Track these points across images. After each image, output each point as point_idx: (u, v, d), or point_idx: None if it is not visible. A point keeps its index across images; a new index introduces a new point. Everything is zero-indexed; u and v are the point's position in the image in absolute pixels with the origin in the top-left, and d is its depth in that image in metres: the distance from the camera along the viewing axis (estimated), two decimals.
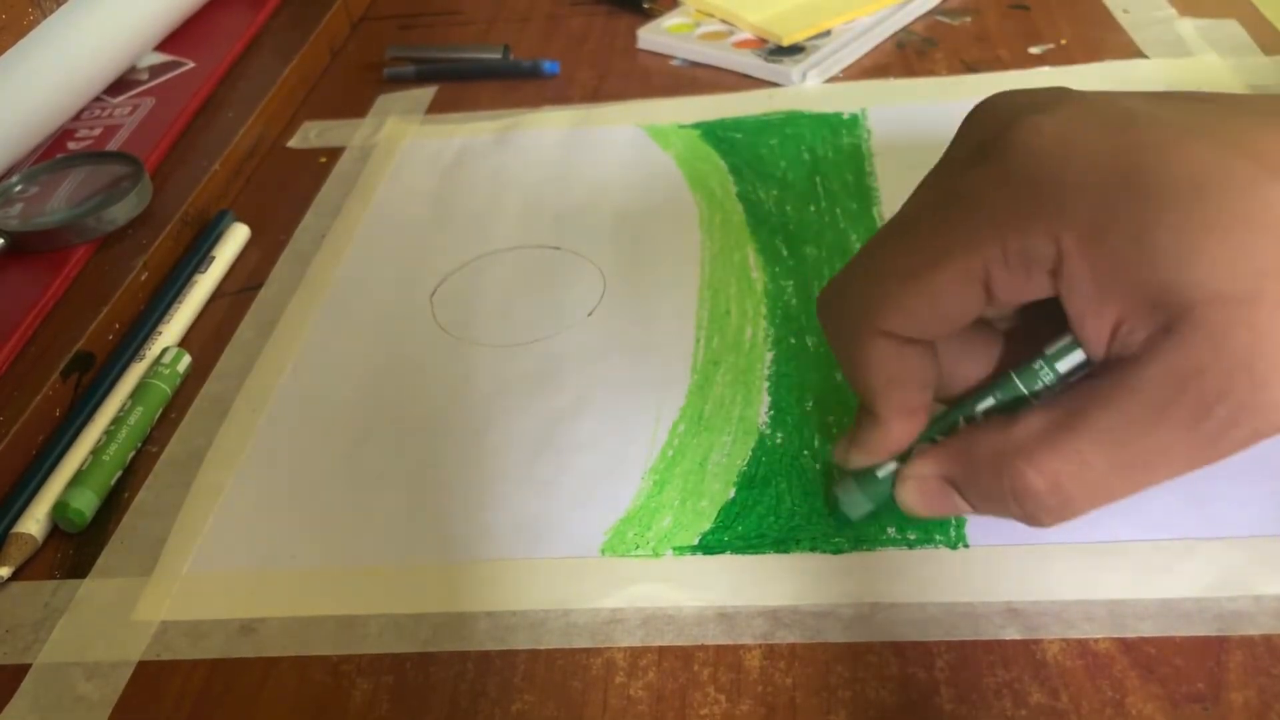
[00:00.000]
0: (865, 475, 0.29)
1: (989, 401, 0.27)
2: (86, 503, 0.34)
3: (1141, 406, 0.23)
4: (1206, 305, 0.22)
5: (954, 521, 0.30)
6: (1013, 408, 0.26)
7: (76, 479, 0.34)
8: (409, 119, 0.54)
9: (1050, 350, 0.26)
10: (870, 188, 0.44)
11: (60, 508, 0.33)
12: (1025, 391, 0.26)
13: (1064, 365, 0.25)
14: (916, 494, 0.28)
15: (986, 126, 0.26)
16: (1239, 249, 0.22)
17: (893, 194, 0.43)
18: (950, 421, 0.28)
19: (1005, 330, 0.28)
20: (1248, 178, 0.22)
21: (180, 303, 0.42)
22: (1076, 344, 0.25)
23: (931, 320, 0.26)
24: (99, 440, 0.36)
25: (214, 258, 0.44)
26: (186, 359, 0.39)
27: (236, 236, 0.46)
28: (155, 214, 0.46)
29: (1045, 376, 0.26)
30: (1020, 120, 0.25)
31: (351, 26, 0.67)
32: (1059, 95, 0.26)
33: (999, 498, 0.26)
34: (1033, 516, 0.25)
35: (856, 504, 0.29)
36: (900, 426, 0.28)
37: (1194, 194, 0.22)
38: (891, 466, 0.28)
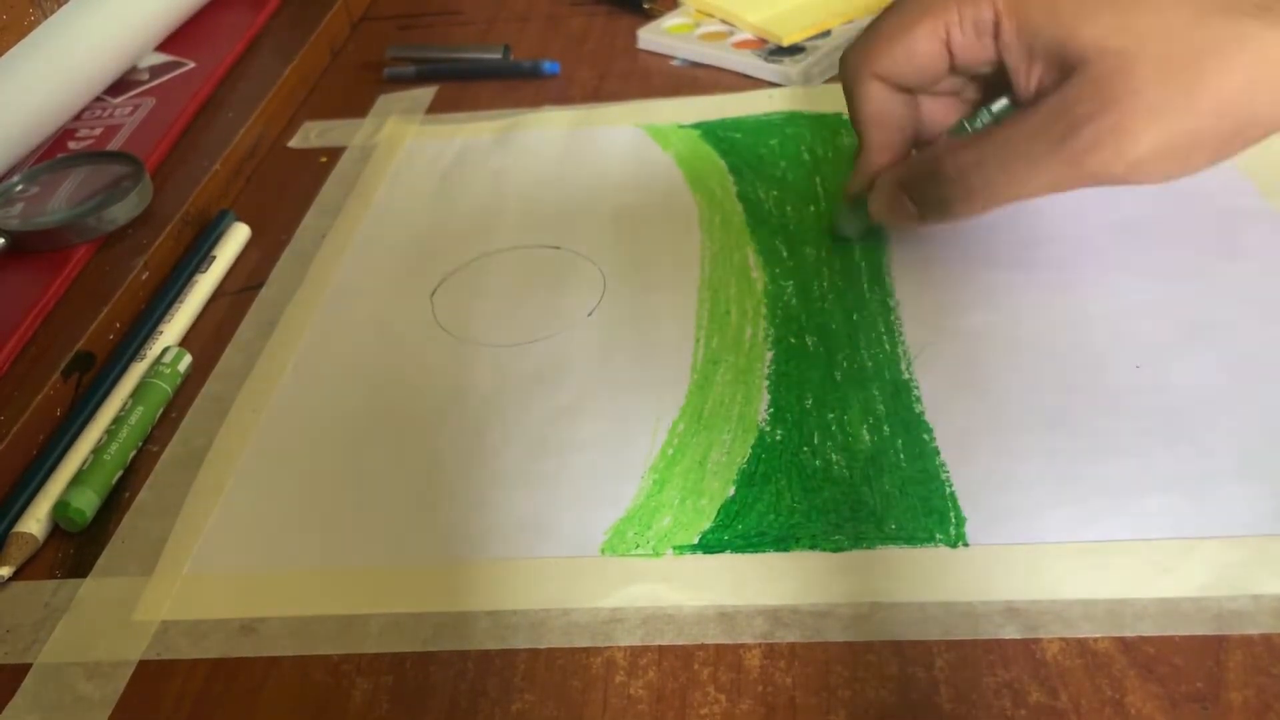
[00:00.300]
0: (857, 201, 0.38)
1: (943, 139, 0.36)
2: (87, 502, 0.34)
3: (1030, 125, 0.31)
4: (1097, 54, 0.30)
5: (954, 520, 0.30)
6: None
7: (77, 478, 0.34)
8: (409, 119, 0.54)
9: (994, 105, 0.35)
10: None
11: (61, 507, 0.33)
12: (969, 130, 0.35)
13: (996, 108, 0.35)
14: (879, 199, 0.37)
15: None
16: (1126, 14, 0.30)
17: None
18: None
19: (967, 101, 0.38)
20: None
21: (181, 302, 0.42)
22: (1006, 97, 0.34)
23: (908, 68, 0.35)
24: (100, 440, 0.36)
25: (214, 257, 0.44)
26: (187, 358, 0.39)
27: (237, 236, 0.46)
28: (156, 214, 0.46)
29: (983, 117, 0.35)
30: None
31: (352, 26, 0.67)
32: None
33: (930, 193, 0.35)
34: (946, 203, 0.34)
35: (850, 223, 0.40)
36: (878, 155, 0.37)
37: None
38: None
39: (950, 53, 0.34)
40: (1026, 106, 0.32)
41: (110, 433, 0.36)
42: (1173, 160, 0.31)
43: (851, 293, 0.38)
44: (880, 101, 0.36)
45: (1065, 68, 0.31)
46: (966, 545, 0.29)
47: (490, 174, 0.49)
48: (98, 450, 0.35)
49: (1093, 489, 0.30)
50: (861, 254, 0.40)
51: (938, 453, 0.32)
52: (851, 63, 0.37)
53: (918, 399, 0.34)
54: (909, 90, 0.37)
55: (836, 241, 0.40)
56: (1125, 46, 0.30)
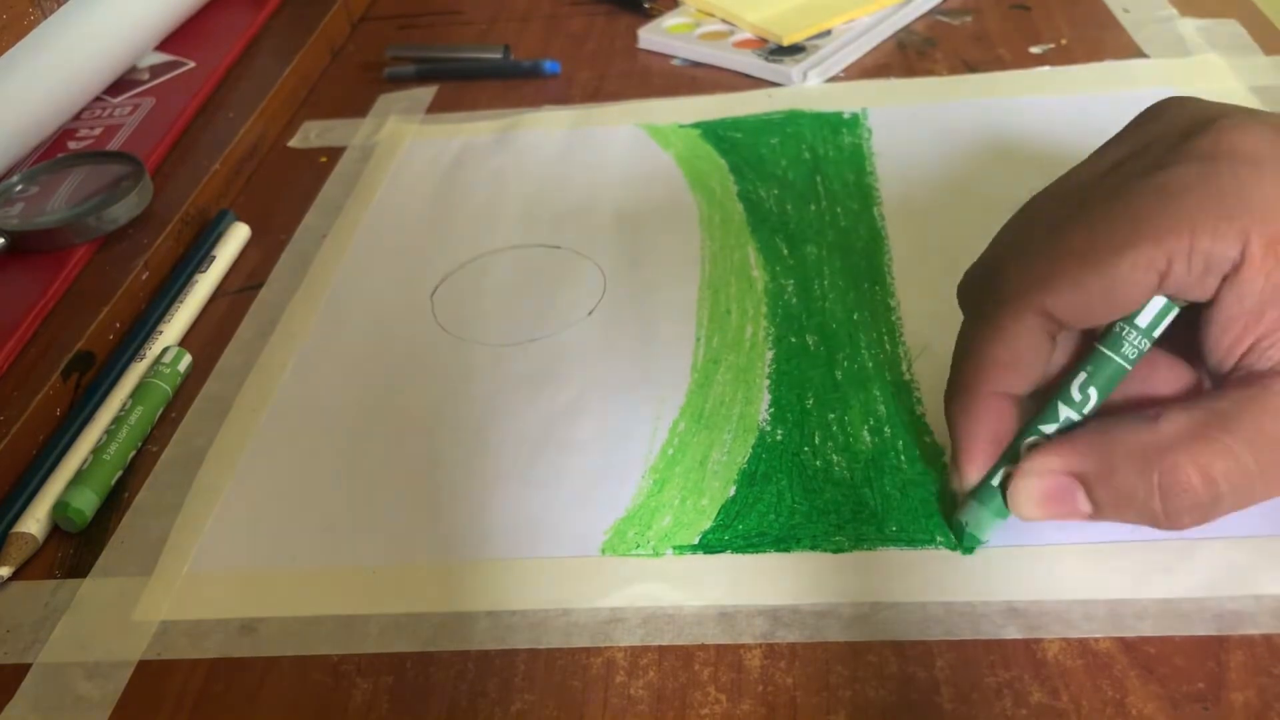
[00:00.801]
0: (982, 490, 0.28)
1: (1081, 376, 0.27)
2: (87, 502, 0.34)
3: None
4: None
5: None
6: (1105, 389, 0.27)
7: (77, 478, 0.34)
8: (409, 119, 0.54)
9: (1141, 321, 0.26)
10: (870, 187, 0.44)
11: (60, 507, 0.33)
12: (1124, 364, 0.27)
13: (1139, 349, 0.27)
14: (1037, 491, 0.27)
15: (1176, 123, 0.27)
16: None
17: (893, 193, 0.43)
18: (1053, 414, 0.28)
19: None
20: None
21: (181, 302, 0.42)
22: (1169, 307, 0.26)
23: (1100, 305, 0.26)
24: (99, 440, 0.36)
25: (214, 257, 0.44)
26: (187, 358, 0.39)
27: (237, 236, 0.46)
28: (156, 214, 0.46)
29: (1140, 344, 0.27)
30: (1227, 119, 0.25)
31: (352, 26, 0.67)
32: (1249, 110, 0.26)
33: (1139, 494, 0.26)
34: (1175, 514, 0.25)
35: (983, 521, 0.28)
36: (1000, 421, 0.28)
37: None
38: (1003, 473, 0.28)
39: (1161, 287, 0.25)
40: (1261, 379, 0.25)
41: (110, 433, 0.36)
42: None
43: (852, 292, 0.38)
44: (1032, 343, 0.27)
45: None
46: (969, 551, 0.29)
47: (490, 174, 0.49)
48: (97, 450, 0.35)
49: None
50: (862, 254, 0.40)
51: (939, 454, 0.32)
52: (1012, 286, 0.27)
53: (919, 400, 0.34)
54: (1065, 330, 0.27)
55: (965, 549, 0.29)
56: None
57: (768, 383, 0.35)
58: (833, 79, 0.52)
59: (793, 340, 0.37)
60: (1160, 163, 0.26)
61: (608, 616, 0.29)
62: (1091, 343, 0.28)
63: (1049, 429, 0.28)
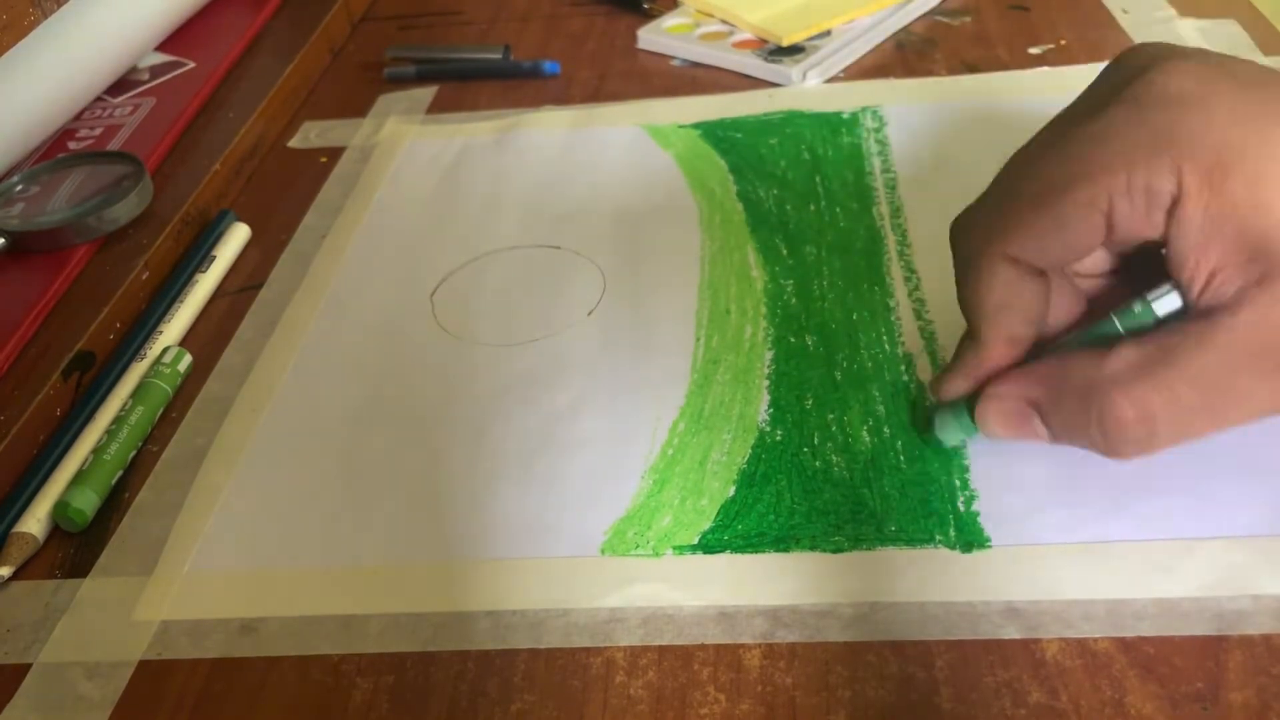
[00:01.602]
0: (959, 405, 0.30)
1: (1083, 339, 0.29)
2: (87, 502, 0.34)
3: (1233, 350, 0.25)
4: None
5: (954, 523, 0.30)
6: (1101, 345, 0.28)
7: (77, 478, 0.34)
8: (409, 119, 0.54)
9: (1151, 295, 0.27)
10: (870, 187, 0.44)
11: (61, 507, 0.33)
12: (1121, 330, 0.28)
13: (1162, 309, 0.27)
14: (998, 414, 0.29)
15: (1124, 69, 0.28)
16: None
17: (892, 194, 0.43)
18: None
19: (1087, 290, 0.31)
20: None
21: (181, 302, 0.42)
22: (1173, 290, 0.27)
23: (1055, 246, 0.28)
24: (100, 439, 0.36)
25: (214, 257, 0.44)
26: (187, 358, 0.39)
27: (237, 236, 0.46)
28: (156, 214, 0.46)
29: (1144, 317, 0.27)
30: (1159, 63, 0.27)
31: (352, 26, 0.67)
32: (1199, 51, 0.27)
33: (1082, 426, 0.27)
34: (1114, 446, 0.27)
35: (951, 433, 0.31)
36: (1000, 352, 0.29)
37: None
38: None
39: (1109, 225, 0.27)
40: (1207, 316, 0.26)
41: (110, 433, 0.36)
42: None
43: (851, 293, 0.38)
44: (1009, 286, 0.29)
45: (1261, 269, 0.25)
46: (970, 551, 0.29)
47: (490, 174, 0.49)
48: (97, 450, 0.35)
49: (1093, 489, 0.30)
50: (861, 254, 0.40)
51: (937, 454, 0.32)
52: (975, 237, 0.29)
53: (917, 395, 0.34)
54: (1041, 271, 0.29)
55: (928, 442, 0.32)
56: None
57: (767, 383, 0.35)
58: (832, 79, 0.52)
59: (792, 340, 0.37)
60: (1097, 109, 0.27)
61: (607, 616, 0.29)
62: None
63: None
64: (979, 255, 0.29)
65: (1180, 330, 0.26)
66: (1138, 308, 0.27)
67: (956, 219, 0.30)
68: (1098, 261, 0.30)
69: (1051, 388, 0.28)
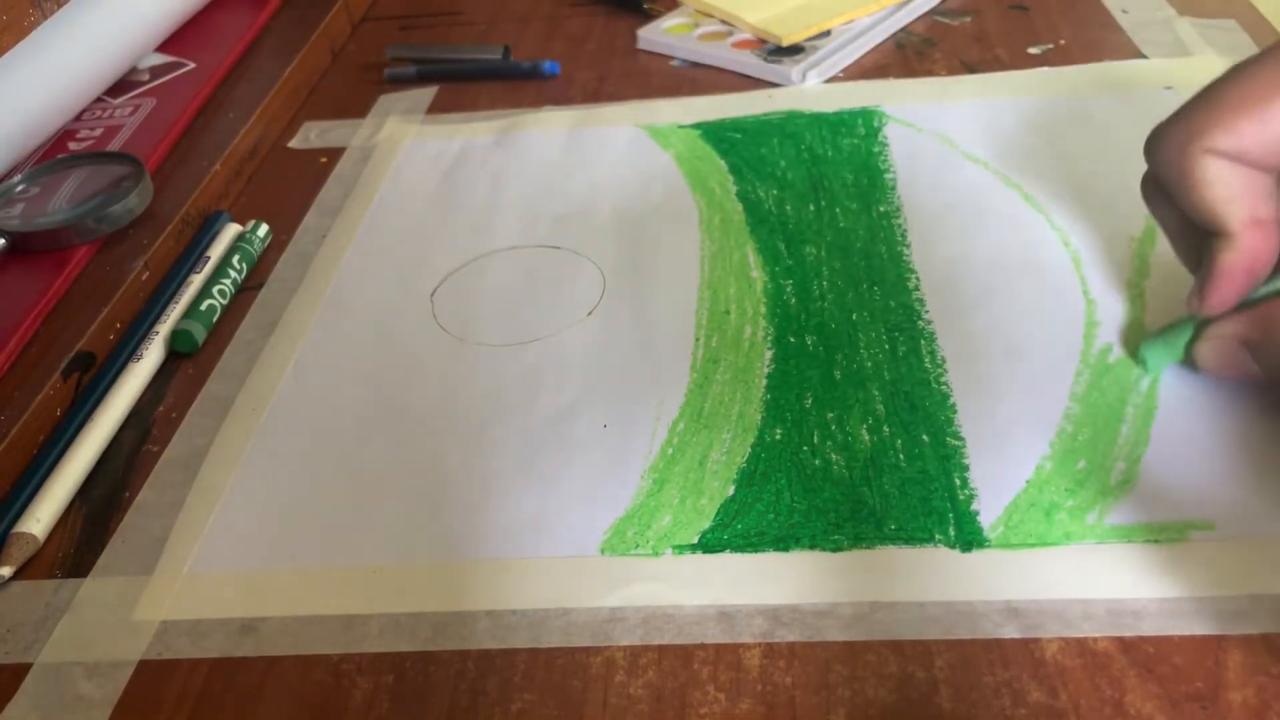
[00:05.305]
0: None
1: None
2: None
3: None
4: None
5: (954, 521, 0.30)
6: None
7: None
8: (409, 119, 0.54)
9: None
10: (869, 187, 0.44)
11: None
12: None
13: None
14: (1213, 352, 0.31)
15: None
16: None
17: (892, 193, 0.43)
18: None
19: None
20: None
21: (180, 302, 0.42)
22: None
23: (1258, 144, 0.28)
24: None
25: (210, 258, 0.44)
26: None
27: (230, 236, 0.46)
28: (156, 214, 0.46)
29: None
30: None
31: (352, 27, 0.67)
32: None
33: None
34: None
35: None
36: (1253, 237, 0.29)
37: None
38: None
39: None
40: None
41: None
42: None
43: (851, 292, 0.38)
44: (1227, 176, 0.28)
45: None
46: (968, 550, 0.29)
47: (490, 174, 0.49)
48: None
49: (1092, 489, 0.30)
50: (860, 254, 0.40)
51: (937, 453, 0.32)
52: (1175, 141, 0.29)
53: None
54: (1250, 166, 0.29)
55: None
56: None
57: (766, 382, 0.35)
58: (832, 79, 0.53)
59: (791, 340, 0.37)
60: None
61: (607, 616, 0.29)
62: None
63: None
64: (1181, 155, 0.29)
65: None
66: None
67: (1154, 130, 0.30)
68: None
69: (1263, 328, 0.29)
